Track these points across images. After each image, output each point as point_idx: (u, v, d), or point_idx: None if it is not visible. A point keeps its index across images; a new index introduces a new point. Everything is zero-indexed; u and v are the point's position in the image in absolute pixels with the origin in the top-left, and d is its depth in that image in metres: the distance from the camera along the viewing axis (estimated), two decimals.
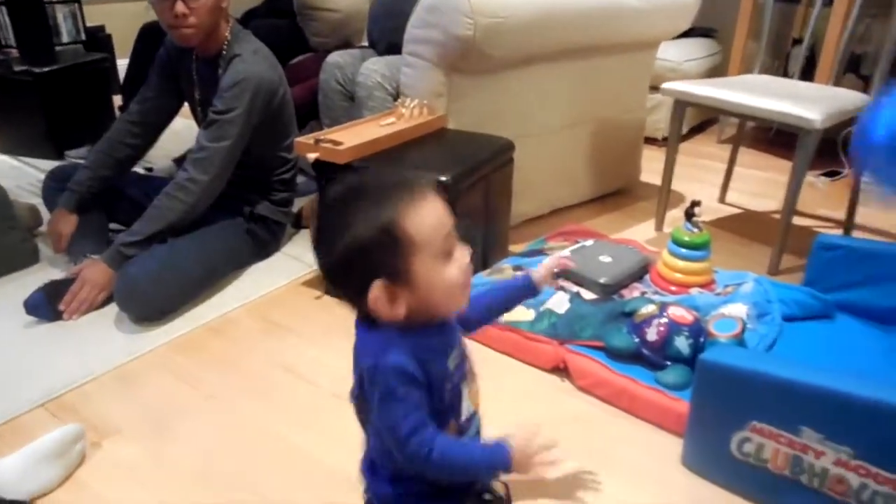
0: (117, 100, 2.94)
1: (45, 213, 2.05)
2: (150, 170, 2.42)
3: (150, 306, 1.65)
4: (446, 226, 0.77)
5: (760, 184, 2.67)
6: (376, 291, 0.75)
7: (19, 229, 1.93)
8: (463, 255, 0.79)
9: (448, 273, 0.78)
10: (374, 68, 1.97)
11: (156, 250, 1.68)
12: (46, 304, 1.64)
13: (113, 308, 1.68)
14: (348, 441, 1.19)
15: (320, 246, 0.78)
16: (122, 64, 2.83)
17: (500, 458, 0.82)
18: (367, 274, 0.76)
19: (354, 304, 0.82)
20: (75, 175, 1.88)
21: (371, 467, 0.90)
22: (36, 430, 1.20)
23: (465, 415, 0.87)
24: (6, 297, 1.75)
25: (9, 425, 1.32)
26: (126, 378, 1.47)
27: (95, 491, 1.17)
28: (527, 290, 1.02)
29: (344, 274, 0.79)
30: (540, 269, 1.03)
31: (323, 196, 0.80)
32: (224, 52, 1.77)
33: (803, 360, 1.36)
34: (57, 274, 1.80)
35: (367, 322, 0.81)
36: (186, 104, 1.99)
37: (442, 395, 0.82)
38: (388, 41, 2.16)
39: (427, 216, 0.76)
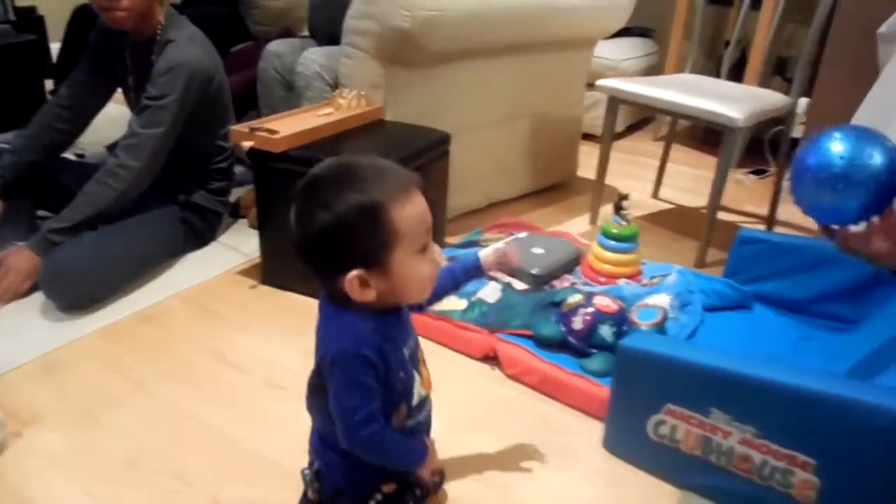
0: (49, 84, 2.85)
1: None
2: (81, 156, 2.35)
3: (78, 294, 1.62)
4: (428, 221, 0.79)
5: (691, 180, 2.77)
6: (354, 274, 0.76)
7: None
8: (437, 252, 0.82)
9: (422, 267, 0.80)
10: (314, 58, 1.97)
11: (85, 237, 1.65)
12: None
13: (39, 296, 1.64)
14: (278, 429, 1.21)
15: (300, 218, 0.78)
16: (56, 47, 2.75)
17: (418, 461, 0.89)
18: (344, 255, 0.77)
19: (325, 282, 0.82)
20: (1, 159, 1.82)
21: (321, 440, 0.91)
22: None
23: (416, 399, 0.90)
24: None
25: None
26: (52, 367, 1.44)
27: (14, 482, 1.15)
28: (474, 272, 1.06)
29: (321, 251, 0.79)
30: (490, 253, 1.06)
31: (312, 169, 0.79)
32: (158, 37, 1.74)
33: (721, 348, 1.43)
34: None
35: (335, 303, 0.82)
36: (120, 89, 1.95)
37: (395, 381, 0.85)
38: (328, 32, 2.16)
39: (414, 208, 0.77)
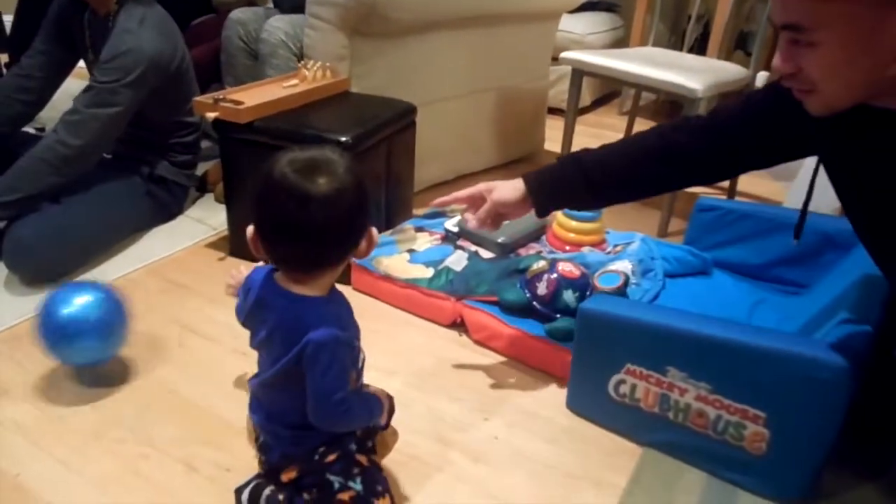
0: (3, 57, 2.78)
1: None
2: (41, 130, 2.31)
3: (42, 268, 1.60)
4: None
5: None
6: (373, 230, 0.92)
7: None
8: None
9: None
10: (278, 25, 1.94)
11: (48, 210, 1.63)
12: None
13: (2, 269, 1.62)
14: (242, 394, 1.22)
15: (323, 200, 0.84)
16: (8, 20, 2.67)
17: (379, 408, 1.03)
18: (364, 221, 0.91)
19: (328, 262, 0.92)
20: None
21: (268, 417, 1.01)
22: None
23: (360, 362, 1.00)
24: None
25: None
26: (16, 339, 1.43)
27: None
28: None
29: (351, 224, 0.89)
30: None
31: (293, 162, 0.87)
32: (111, 17, 1.70)
33: (676, 309, 1.47)
34: None
35: (306, 292, 0.92)
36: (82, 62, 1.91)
37: (357, 354, 0.97)
38: (291, 1, 2.14)
39: None
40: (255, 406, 1.04)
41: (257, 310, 0.96)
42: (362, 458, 1.02)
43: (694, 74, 1.90)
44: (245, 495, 0.99)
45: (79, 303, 1.24)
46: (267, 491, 0.98)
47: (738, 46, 3.08)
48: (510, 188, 1.24)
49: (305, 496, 0.98)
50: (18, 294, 1.58)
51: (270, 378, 0.95)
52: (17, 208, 1.58)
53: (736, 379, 1.10)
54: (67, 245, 1.64)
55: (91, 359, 1.29)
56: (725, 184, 2.37)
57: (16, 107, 1.82)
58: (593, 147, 1.24)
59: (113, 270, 1.70)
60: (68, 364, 1.33)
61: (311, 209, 0.84)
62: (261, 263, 1.00)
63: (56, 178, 1.62)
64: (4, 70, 2.62)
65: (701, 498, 1.14)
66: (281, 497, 0.98)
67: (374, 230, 0.93)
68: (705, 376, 1.12)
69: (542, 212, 1.26)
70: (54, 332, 1.23)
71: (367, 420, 1.02)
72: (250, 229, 0.91)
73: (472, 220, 1.28)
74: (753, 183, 2.50)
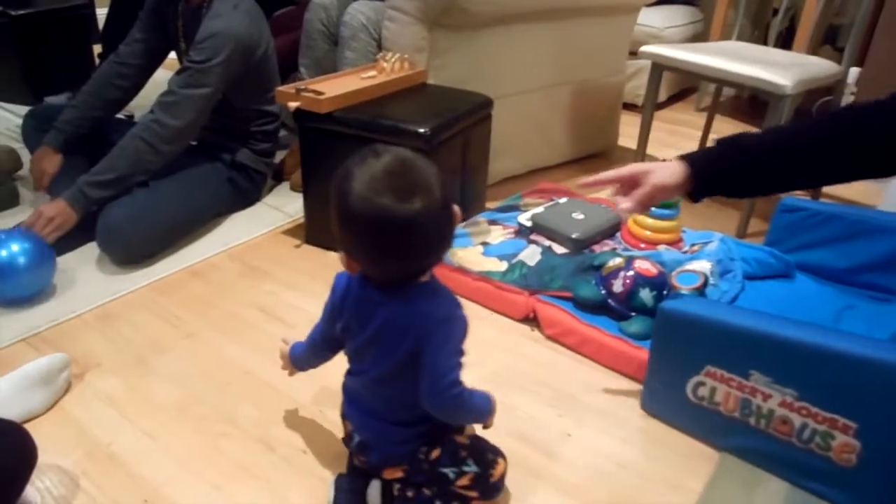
0: (97, 49, 2.91)
1: (25, 156, 2.05)
2: (131, 117, 2.41)
3: (130, 249, 1.67)
4: None
5: None
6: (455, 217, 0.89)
7: None
8: None
9: None
10: (360, 10, 1.97)
11: (137, 194, 1.70)
12: None
13: (96, 250, 1.70)
14: (321, 378, 1.25)
15: (424, 187, 0.82)
16: (102, 13, 2.80)
17: (490, 408, 1.02)
18: (453, 218, 0.88)
19: (438, 259, 0.91)
20: (63, 114, 1.86)
21: (368, 414, 1.01)
22: (17, 363, 1.23)
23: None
24: None
25: None
26: (107, 316, 1.51)
27: (79, 419, 1.21)
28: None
29: (448, 228, 0.88)
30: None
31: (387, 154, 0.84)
32: (205, 4, 1.76)
33: (762, 311, 1.42)
34: None
35: (406, 284, 0.90)
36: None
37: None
38: None
39: None
40: (353, 404, 1.03)
41: (360, 309, 0.94)
42: (462, 439, 1.01)
43: (782, 70, 1.83)
44: (373, 490, 1.02)
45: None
46: (395, 489, 1.01)
47: (826, 41, 2.94)
48: (669, 172, 1.18)
49: (426, 492, 1.00)
50: (110, 273, 1.66)
51: (382, 373, 0.94)
52: (114, 187, 1.65)
53: (825, 386, 1.06)
54: (154, 228, 1.71)
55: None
56: None
57: (113, 92, 1.91)
58: (737, 133, 1.17)
59: (196, 253, 1.76)
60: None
61: (414, 231, 0.82)
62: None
63: (153, 157, 1.68)
64: (98, 61, 2.75)
65: None
66: (409, 494, 1.00)
67: (456, 207, 0.89)
68: (791, 382, 1.08)
69: (699, 198, 1.21)
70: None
71: (479, 416, 1.01)
72: (343, 256, 0.89)
73: (624, 203, 1.20)
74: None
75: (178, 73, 1.74)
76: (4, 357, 1.36)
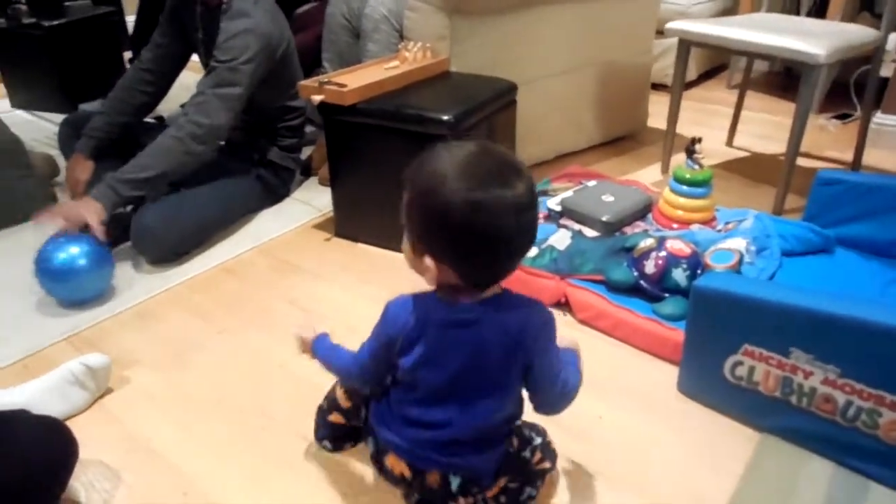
0: (127, 54, 2.97)
1: (62, 162, 2.09)
2: (161, 119, 2.45)
3: (164, 248, 1.70)
4: None
5: (769, 127, 2.65)
6: None
7: (36, 177, 1.99)
8: None
9: None
10: (381, 1, 1.97)
11: (169, 196, 1.73)
12: None
13: (132, 251, 1.74)
14: None
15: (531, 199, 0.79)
16: (131, 20, 2.85)
17: (579, 359, 1.03)
18: None
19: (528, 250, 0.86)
20: (92, 121, 1.90)
21: (459, 443, 0.92)
22: (59, 362, 1.26)
23: None
24: (26, 242, 1.80)
25: (35, 357, 1.40)
26: (144, 315, 1.54)
27: (119, 415, 1.24)
28: None
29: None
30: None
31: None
32: (224, 4, 1.77)
33: (801, 286, 1.38)
34: None
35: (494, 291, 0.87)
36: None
37: None
38: None
39: None
40: (424, 446, 0.92)
41: (448, 335, 0.85)
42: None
43: (815, 38, 1.77)
44: None
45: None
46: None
47: (863, 7, 2.84)
48: None
49: (502, 499, 0.99)
50: (145, 272, 1.69)
51: (479, 395, 0.88)
52: (147, 186, 1.66)
53: (870, 362, 1.02)
54: (187, 227, 1.74)
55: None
56: (848, 157, 2.21)
57: (140, 97, 1.94)
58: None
59: (227, 250, 1.79)
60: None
61: (525, 219, 0.78)
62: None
63: (186, 157, 1.69)
64: (129, 66, 2.81)
65: (828, 489, 1.07)
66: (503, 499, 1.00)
67: None
68: (834, 358, 1.05)
69: None
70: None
71: (579, 383, 0.97)
72: (430, 262, 0.81)
73: None
74: (881, 157, 2.31)
75: (206, 74, 1.76)
76: (47, 356, 1.39)
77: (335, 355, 1.03)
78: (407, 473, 0.94)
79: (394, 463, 0.94)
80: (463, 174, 0.76)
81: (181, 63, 2.00)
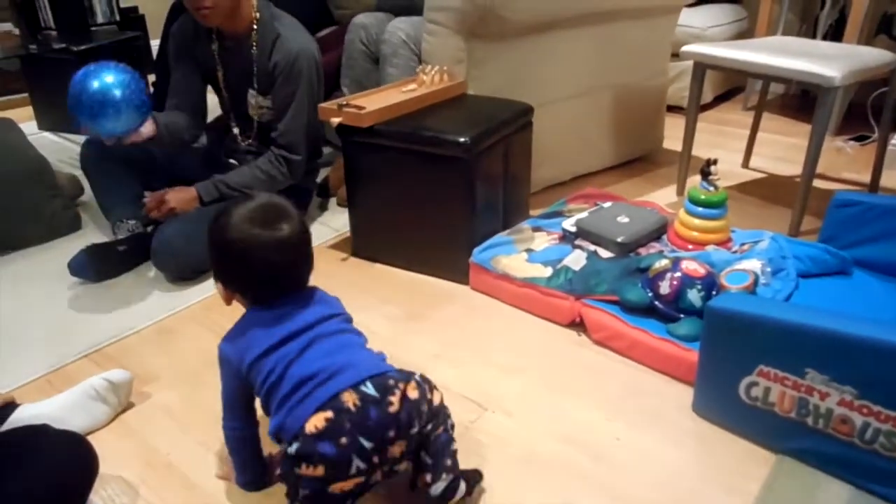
0: (151, 78, 3.03)
1: (85, 183, 2.14)
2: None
3: (184, 266, 1.74)
4: None
5: (785, 149, 2.66)
6: None
7: (62, 197, 2.04)
8: None
9: None
10: (399, 26, 2.01)
11: (190, 214, 1.76)
12: (89, 266, 1.73)
13: (151, 269, 1.78)
14: None
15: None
16: (156, 44, 2.92)
17: None
18: None
19: None
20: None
21: None
22: (81, 378, 1.29)
23: None
24: (52, 260, 1.85)
25: (57, 373, 1.42)
26: (164, 332, 1.56)
27: (138, 431, 1.26)
28: None
29: None
30: None
31: None
32: (255, 31, 1.81)
33: (815, 307, 1.38)
34: (98, 238, 1.90)
35: None
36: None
37: None
38: (393, 5, 2.22)
39: None
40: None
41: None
42: None
43: (830, 61, 1.77)
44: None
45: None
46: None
47: (880, 31, 2.84)
48: None
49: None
50: (165, 290, 1.72)
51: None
52: (240, 195, 1.77)
53: (887, 384, 1.01)
54: (205, 245, 1.75)
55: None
56: (865, 179, 2.20)
57: (187, 135, 1.97)
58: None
59: None
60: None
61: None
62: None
63: (271, 186, 1.86)
64: (153, 89, 2.87)
65: None
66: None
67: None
68: (850, 380, 1.05)
69: None
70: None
71: None
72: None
73: None
74: None
75: (281, 111, 1.84)
76: (69, 372, 1.42)
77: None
78: (329, 415, 0.91)
79: (314, 421, 0.91)
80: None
81: (205, 92, 2.01)
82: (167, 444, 1.22)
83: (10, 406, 1.20)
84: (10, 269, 1.85)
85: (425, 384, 1.00)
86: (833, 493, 1.09)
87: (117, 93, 1.55)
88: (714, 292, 1.41)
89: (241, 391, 1.04)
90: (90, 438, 1.10)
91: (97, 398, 1.24)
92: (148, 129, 1.74)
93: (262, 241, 1.00)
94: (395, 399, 0.95)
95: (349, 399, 0.93)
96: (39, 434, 1.02)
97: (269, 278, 1.04)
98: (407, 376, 0.99)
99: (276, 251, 1.01)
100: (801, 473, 1.13)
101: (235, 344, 1.03)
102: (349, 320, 1.11)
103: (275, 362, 0.98)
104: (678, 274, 1.42)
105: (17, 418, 1.17)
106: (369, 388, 0.95)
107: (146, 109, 1.66)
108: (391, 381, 0.97)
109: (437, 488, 0.99)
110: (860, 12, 2.54)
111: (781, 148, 2.67)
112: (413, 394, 0.97)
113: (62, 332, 1.56)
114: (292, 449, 0.91)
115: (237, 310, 1.62)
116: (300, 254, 1.06)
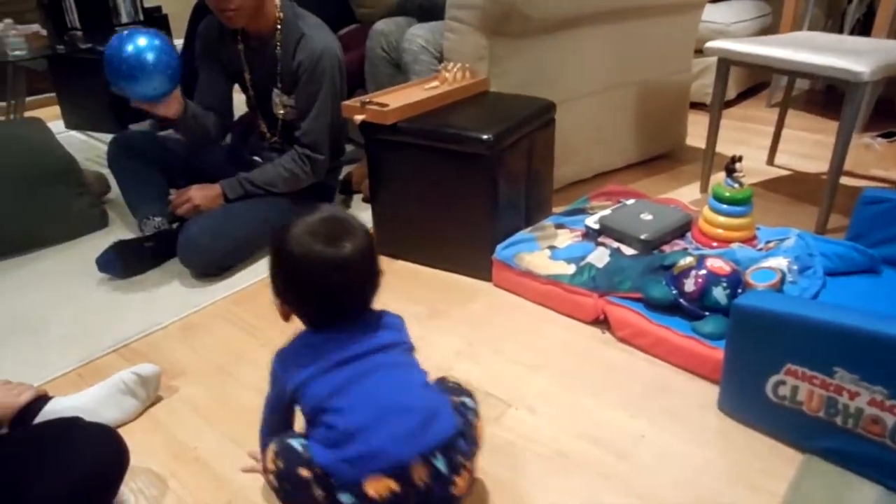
0: None
1: (112, 181, 2.17)
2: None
3: (209, 262, 1.76)
4: None
5: (811, 146, 2.62)
6: None
7: (89, 195, 2.07)
8: None
9: None
10: (418, 34, 2.01)
11: (215, 211, 1.78)
12: (116, 262, 1.76)
13: (178, 265, 1.80)
14: None
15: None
16: (179, 43, 2.94)
17: None
18: None
19: None
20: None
21: None
22: (110, 372, 1.31)
23: None
24: (80, 257, 1.88)
25: (86, 367, 1.45)
26: (190, 328, 1.58)
27: (167, 424, 1.28)
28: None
29: None
30: None
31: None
32: (279, 30, 1.82)
33: (844, 304, 1.36)
34: (125, 235, 1.93)
35: None
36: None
37: None
38: (418, 4, 2.22)
39: None
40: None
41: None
42: None
43: (858, 56, 1.75)
44: None
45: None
46: None
47: None
48: None
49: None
50: (191, 287, 1.75)
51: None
52: (265, 193, 1.89)
53: None
54: (230, 242, 1.79)
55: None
56: (894, 175, 2.17)
57: (213, 132, 1.99)
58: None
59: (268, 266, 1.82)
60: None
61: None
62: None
63: (294, 186, 1.91)
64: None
65: None
66: None
67: None
68: (880, 379, 1.03)
69: None
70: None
71: None
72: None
73: None
74: None
75: (304, 110, 1.86)
76: (98, 367, 1.44)
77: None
78: (394, 486, 0.88)
79: (376, 486, 0.88)
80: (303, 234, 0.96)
81: (231, 92, 2.04)
82: (194, 438, 1.24)
83: (44, 399, 1.22)
84: (39, 265, 1.89)
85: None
86: (862, 493, 1.07)
87: (150, 56, 1.59)
88: (739, 290, 1.40)
89: (283, 408, 1.02)
90: (121, 431, 1.12)
91: (127, 392, 1.26)
92: (175, 104, 1.76)
93: (323, 259, 0.94)
94: (460, 481, 0.92)
95: (419, 476, 0.89)
96: (73, 426, 1.04)
97: (327, 298, 0.97)
98: (471, 446, 0.96)
99: (336, 270, 0.94)
100: (829, 473, 1.11)
101: (284, 363, 1.00)
102: (410, 349, 1.04)
103: (324, 389, 0.93)
104: (703, 271, 1.41)
105: (50, 410, 1.19)
106: (440, 464, 0.90)
107: (177, 79, 1.69)
108: (460, 458, 0.93)
109: None
110: (890, 6, 2.49)
111: (807, 145, 2.64)
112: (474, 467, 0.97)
113: (91, 327, 1.59)
114: (345, 498, 0.87)
115: (262, 307, 1.65)
116: (363, 273, 0.99)
